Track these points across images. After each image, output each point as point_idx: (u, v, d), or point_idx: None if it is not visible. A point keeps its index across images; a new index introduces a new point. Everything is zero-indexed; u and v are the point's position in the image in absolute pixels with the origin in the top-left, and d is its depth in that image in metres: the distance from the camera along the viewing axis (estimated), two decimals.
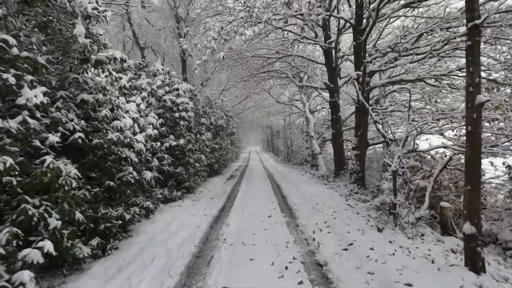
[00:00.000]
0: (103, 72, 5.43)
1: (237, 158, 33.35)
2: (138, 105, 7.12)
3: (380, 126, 8.81)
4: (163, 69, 10.34)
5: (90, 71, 5.42)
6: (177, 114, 9.10)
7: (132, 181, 5.68)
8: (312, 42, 12.74)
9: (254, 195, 10.33)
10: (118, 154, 5.19)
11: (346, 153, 14.21)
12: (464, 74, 9.50)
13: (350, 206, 8.35)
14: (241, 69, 16.44)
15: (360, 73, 9.09)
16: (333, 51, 12.40)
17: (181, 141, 8.71)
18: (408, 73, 11.83)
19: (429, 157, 9.58)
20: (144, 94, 8.25)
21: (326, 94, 14.32)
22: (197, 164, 11.10)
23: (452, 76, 9.32)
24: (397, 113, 12.67)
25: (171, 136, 8.66)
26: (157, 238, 5.54)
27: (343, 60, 13.36)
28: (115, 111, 5.66)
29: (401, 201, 6.37)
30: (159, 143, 7.62)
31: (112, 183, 5.10)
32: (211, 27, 8.65)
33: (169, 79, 10.10)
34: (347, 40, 16.69)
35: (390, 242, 5.52)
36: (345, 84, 13.35)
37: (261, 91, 23.17)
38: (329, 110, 18.05)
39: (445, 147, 6.55)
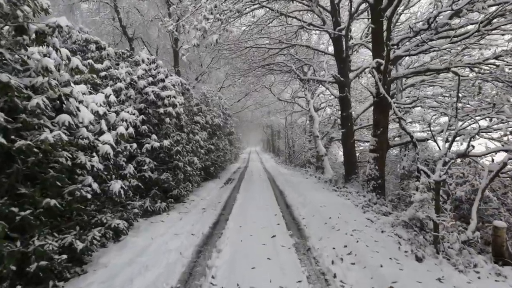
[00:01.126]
0: (47, 47, 3.95)
1: (236, 159, 31.88)
2: (107, 97, 5.65)
3: (405, 124, 7.34)
4: (148, 59, 8.87)
5: (28, 45, 3.94)
6: (162, 110, 7.61)
7: (89, 196, 4.20)
8: (319, 29, 11.25)
9: (253, 205, 8.86)
10: (62, 162, 3.70)
11: (357, 154, 12.73)
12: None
13: (370, 221, 6.87)
14: (240, 62, 14.98)
15: (381, 60, 7.61)
16: (344, 39, 10.92)
17: (166, 142, 7.23)
18: (426, 63, 10.35)
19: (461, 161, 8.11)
20: (121, 84, 6.77)
21: (334, 90, 12.84)
22: (189, 168, 9.62)
23: (490, 66, 7.88)
24: (416, 109, 11.21)
25: (154, 136, 7.17)
26: (121, 275, 4.05)
27: (354, 50, 11.88)
28: (65, 102, 4.19)
29: (448, 221, 4.86)
30: (135, 145, 6.16)
31: (54, 202, 3.62)
32: (203, 5, 7.16)
33: (154, 69, 8.62)
34: (357, 31, 15.21)
35: (440, 280, 4.05)
36: (357, 78, 11.87)
37: (262, 88, 21.78)
38: (336, 107, 16.60)
39: (506, 151, 5.07)
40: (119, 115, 5.73)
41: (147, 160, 7.01)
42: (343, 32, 10.71)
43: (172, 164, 8.68)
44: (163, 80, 7.98)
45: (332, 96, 19.96)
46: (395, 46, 6.63)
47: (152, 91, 7.53)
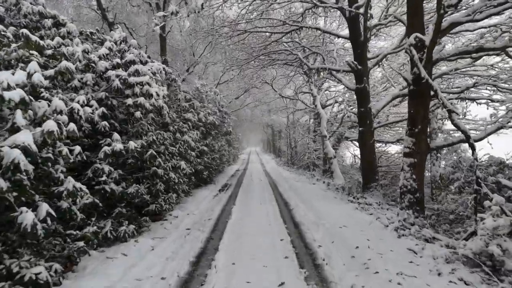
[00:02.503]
0: None
1: (235, 161, 29.99)
2: (30, 76, 3.75)
3: (457, 119, 5.46)
4: (120, 37, 7.00)
5: None
6: (130, 101, 5.72)
7: None
8: (333, 7, 9.35)
9: (252, 223, 6.97)
10: None
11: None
12: None
13: (413, 253, 4.99)
14: (238, 51, 13.09)
15: (422, 36, 5.73)
16: (362, 19, 9.05)
17: (132, 144, 5.32)
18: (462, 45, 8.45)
19: None
20: (68, 64, 4.86)
21: (347, 82, 10.95)
22: (173, 175, 7.71)
23: None
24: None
25: (116, 136, 5.26)
26: None
27: (373, 34, 9.98)
28: None
29: None
30: (78, 148, 4.27)
31: None
32: None
33: (127, 51, 6.74)
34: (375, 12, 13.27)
35: None
36: (377, 66, 9.99)
37: (262, 84, 19.92)
38: (348, 102, 14.73)
39: None
40: (51, 104, 3.83)
41: (106, 168, 5.11)
42: (361, 10, 8.83)
43: (150, 172, 6.80)
44: (133, 62, 6.08)
45: (342, 90, 18.10)
46: (453, 8, 4.72)
47: (117, 76, 5.63)
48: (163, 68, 8.34)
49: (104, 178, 5.11)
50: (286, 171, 21.23)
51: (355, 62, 9.00)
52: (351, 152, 19.97)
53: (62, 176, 4.06)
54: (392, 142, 10.93)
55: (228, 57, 14.94)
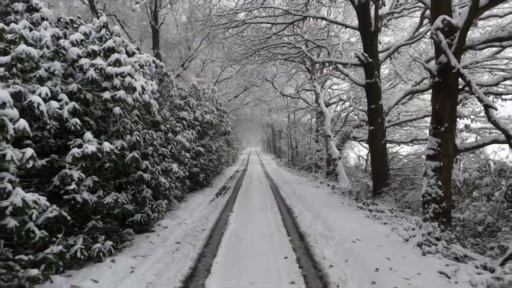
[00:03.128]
0: None
1: (234, 161, 29.13)
2: None
3: (496, 115, 4.62)
4: (100, 23, 6.14)
5: None
6: (107, 95, 4.85)
7: None
8: None
9: (252, 235, 6.11)
10: None
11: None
12: None
13: (446, 278, 4.12)
14: (237, 46, 12.23)
15: (450, 18, 4.89)
16: (372, 7, 8.21)
17: (107, 146, 4.44)
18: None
19: None
20: (27, 49, 4.01)
21: (355, 77, 10.09)
22: (163, 180, 6.86)
23: None
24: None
25: (88, 135, 4.40)
26: None
27: (383, 25, 9.11)
28: None
29: None
30: (29, 151, 3.39)
31: None
32: None
33: (108, 37, 5.89)
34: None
35: None
36: (389, 59, 9.12)
37: (262, 81, 19.07)
38: (355, 100, 13.87)
39: None
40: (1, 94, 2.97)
41: (76, 174, 4.24)
42: None
43: (134, 177, 5.95)
44: (113, 50, 5.22)
45: (346, 88, 17.26)
46: None
47: (92, 65, 4.77)
48: (153, 61, 7.50)
49: (73, 186, 4.25)
50: (288, 172, 20.40)
51: (366, 55, 8.15)
52: (356, 152, 19.09)
53: (9, 186, 3.20)
54: (406, 143, 10.05)
55: (226, 52, 14.07)
